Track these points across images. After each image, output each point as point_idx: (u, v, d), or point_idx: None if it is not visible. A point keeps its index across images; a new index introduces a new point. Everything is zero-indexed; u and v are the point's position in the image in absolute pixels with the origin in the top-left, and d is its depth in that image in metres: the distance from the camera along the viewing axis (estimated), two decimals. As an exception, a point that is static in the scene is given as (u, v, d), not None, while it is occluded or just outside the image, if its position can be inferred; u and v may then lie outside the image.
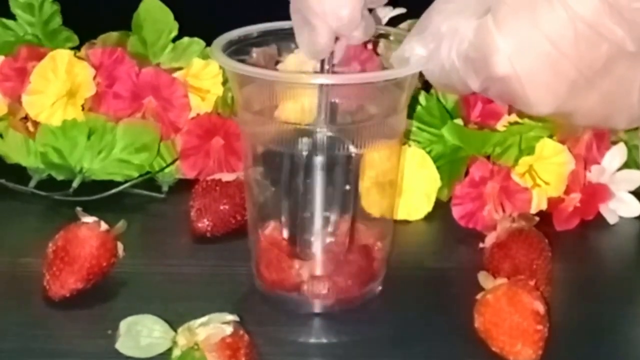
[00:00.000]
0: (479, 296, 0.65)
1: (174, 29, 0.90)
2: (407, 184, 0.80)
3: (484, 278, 0.66)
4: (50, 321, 0.68)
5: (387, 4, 0.73)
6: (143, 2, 0.89)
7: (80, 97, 0.85)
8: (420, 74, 0.66)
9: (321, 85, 0.66)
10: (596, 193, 0.81)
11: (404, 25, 0.81)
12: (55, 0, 0.92)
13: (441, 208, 0.82)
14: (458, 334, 0.66)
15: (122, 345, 0.63)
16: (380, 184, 0.70)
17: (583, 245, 0.80)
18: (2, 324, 0.67)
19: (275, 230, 0.69)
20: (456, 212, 0.80)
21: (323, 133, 0.66)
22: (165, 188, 0.86)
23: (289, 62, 0.72)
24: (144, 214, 0.83)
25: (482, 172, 0.80)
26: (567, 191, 0.81)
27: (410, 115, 0.80)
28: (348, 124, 0.69)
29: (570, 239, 0.79)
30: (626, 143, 0.83)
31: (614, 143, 0.83)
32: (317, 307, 0.69)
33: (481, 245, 0.73)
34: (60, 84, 0.85)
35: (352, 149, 0.66)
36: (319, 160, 0.66)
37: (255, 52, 0.71)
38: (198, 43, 0.90)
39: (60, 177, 0.85)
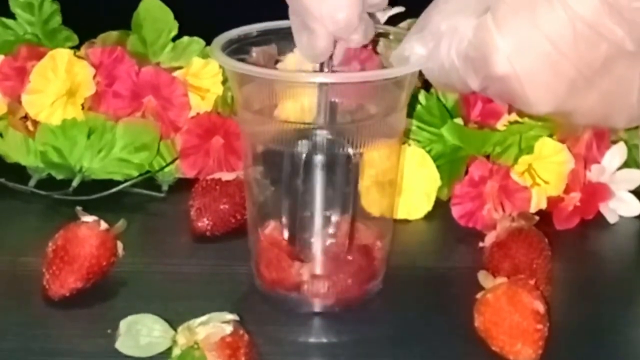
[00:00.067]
0: (478, 295, 0.65)
1: (173, 28, 0.90)
2: (406, 183, 0.80)
3: (483, 277, 0.66)
4: (50, 320, 0.68)
5: (386, 3, 0.73)
6: (143, 1, 0.89)
7: (80, 97, 0.85)
8: (420, 73, 0.66)
9: (321, 84, 0.66)
10: (596, 192, 0.81)
11: (403, 24, 0.81)
12: (54, 0, 0.92)
13: (441, 207, 0.82)
14: (458, 333, 0.66)
15: (122, 344, 0.63)
16: (380, 183, 0.70)
17: (583, 244, 0.80)
18: (2, 324, 0.67)
19: (275, 230, 0.69)
20: (456, 211, 0.80)
21: (323, 132, 0.66)
22: (165, 187, 0.86)
23: (289, 61, 0.72)
24: (143, 213, 0.83)
25: (482, 172, 0.80)
26: (567, 190, 0.81)
27: (410, 115, 0.80)
28: (348, 123, 0.69)
29: (570, 238, 0.79)
30: (626, 142, 0.83)
31: (614, 142, 0.83)
32: (317, 306, 0.69)
33: (481, 244, 0.73)
34: (60, 83, 0.85)
35: (352, 148, 0.66)
36: (318, 159, 0.66)
37: (255, 51, 0.71)
38: (198, 42, 0.90)
39: (60, 177, 0.85)
